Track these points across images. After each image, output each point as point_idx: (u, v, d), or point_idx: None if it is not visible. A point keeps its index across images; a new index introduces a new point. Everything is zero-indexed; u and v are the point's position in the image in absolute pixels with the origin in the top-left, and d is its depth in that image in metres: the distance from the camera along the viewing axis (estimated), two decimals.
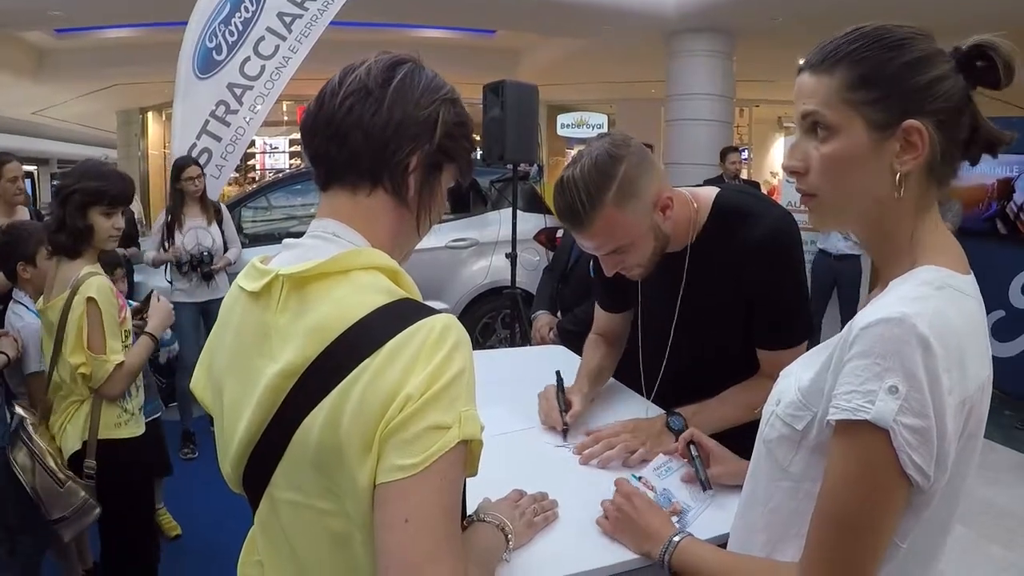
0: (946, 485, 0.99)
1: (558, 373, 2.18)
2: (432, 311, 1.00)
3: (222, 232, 5.31)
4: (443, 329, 0.97)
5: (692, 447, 1.67)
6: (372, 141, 1.07)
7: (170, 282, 5.16)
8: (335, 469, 0.97)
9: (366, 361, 0.94)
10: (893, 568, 1.03)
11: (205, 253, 5.12)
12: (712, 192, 1.95)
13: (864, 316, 0.98)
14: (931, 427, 0.92)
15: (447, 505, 0.94)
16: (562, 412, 2.02)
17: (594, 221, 1.73)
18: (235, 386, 1.10)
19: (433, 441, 0.92)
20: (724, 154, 8.04)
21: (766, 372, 1.91)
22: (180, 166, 5.19)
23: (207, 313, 5.12)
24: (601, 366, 2.25)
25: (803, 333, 1.89)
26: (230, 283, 4.82)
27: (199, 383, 1.23)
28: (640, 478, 1.64)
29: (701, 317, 1.97)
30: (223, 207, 5.51)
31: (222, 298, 4.48)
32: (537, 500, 1.54)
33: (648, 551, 1.37)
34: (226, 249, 5.32)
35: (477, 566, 1.10)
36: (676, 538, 1.33)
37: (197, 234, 5.17)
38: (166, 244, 5.09)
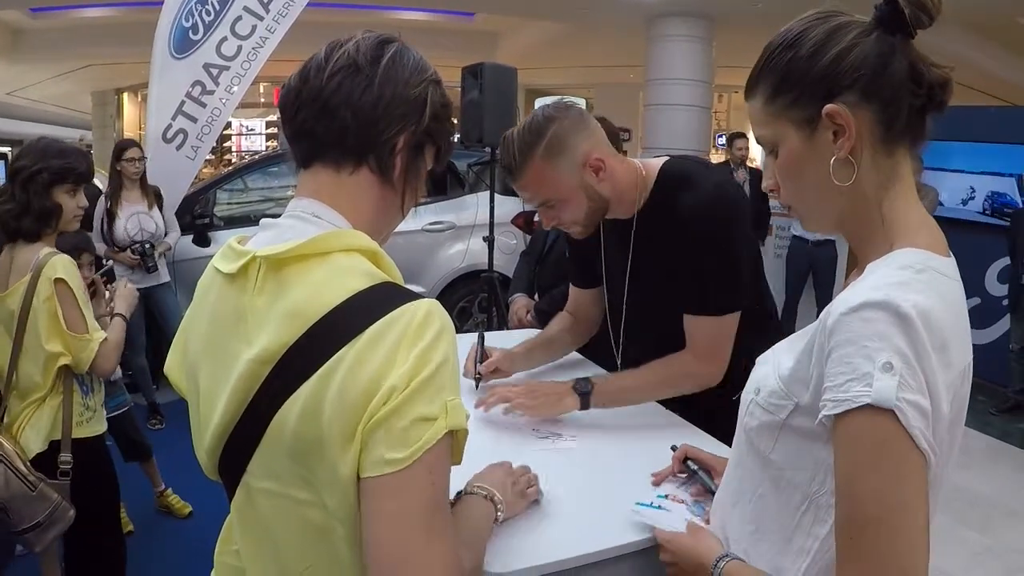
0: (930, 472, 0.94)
1: (479, 329, 2.24)
2: (415, 296, 0.98)
3: (163, 216, 5.20)
4: (426, 315, 0.95)
5: (690, 463, 1.63)
6: (361, 118, 1.06)
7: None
8: (313, 459, 0.95)
9: (346, 348, 0.92)
10: None
11: (148, 245, 4.97)
12: (661, 161, 2.00)
13: (843, 301, 0.94)
14: (928, 404, 0.89)
15: (436, 497, 0.93)
16: (476, 363, 2.16)
17: (524, 173, 1.89)
18: (210, 371, 1.08)
19: (421, 434, 0.90)
20: (731, 140, 7.96)
21: (689, 344, 1.94)
22: (122, 147, 5.08)
23: (149, 298, 4.94)
24: (553, 337, 2.36)
25: (728, 304, 1.91)
26: (169, 270, 4.67)
27: (174, 367, 1.20)
28: (666, 496, 1.57)
29: (651, 286, 2.02)
30: (161, 191, 5.33)
31: (164, 284, 4.37)
32: (525, 473, 1.52)
33: None
34: (166, 235, 5.19)
35: (467, 546, 1.08)
36: (721, 563, 1.21)
37: (140, 220, 5.03)
38: (105, 232, 4.95)
